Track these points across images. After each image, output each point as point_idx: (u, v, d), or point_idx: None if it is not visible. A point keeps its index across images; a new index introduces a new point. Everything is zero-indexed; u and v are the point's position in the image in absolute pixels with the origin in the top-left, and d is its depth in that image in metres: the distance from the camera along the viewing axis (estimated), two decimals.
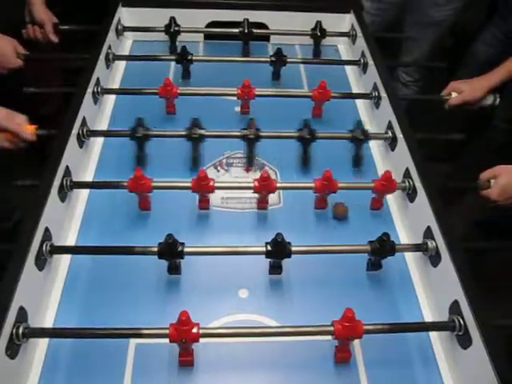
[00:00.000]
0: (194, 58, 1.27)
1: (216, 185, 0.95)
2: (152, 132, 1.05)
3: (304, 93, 1.25)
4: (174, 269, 0.87)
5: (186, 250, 0.83)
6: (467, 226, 1.82)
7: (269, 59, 1.30)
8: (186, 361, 0.76)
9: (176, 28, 1.37)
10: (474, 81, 1.27)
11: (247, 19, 1.37)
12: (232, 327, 0.80)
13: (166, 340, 0.71)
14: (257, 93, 1.16)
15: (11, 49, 1.20)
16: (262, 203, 1.01)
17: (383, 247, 0.85)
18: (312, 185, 0.96)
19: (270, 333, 0.78)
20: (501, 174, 1.00)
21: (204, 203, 1.00)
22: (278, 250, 0.84)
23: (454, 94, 1.26)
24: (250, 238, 0.94)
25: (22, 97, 1.13)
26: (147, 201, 0.98)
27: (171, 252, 0.83)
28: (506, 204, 1.00)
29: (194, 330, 0.71)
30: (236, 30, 1.37)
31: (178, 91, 1.15)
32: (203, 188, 0.94)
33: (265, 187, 0.95)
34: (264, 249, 0.84)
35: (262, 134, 1.06)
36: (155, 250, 0.83)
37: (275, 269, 0.89)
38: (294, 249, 0.84)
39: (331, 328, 0.73)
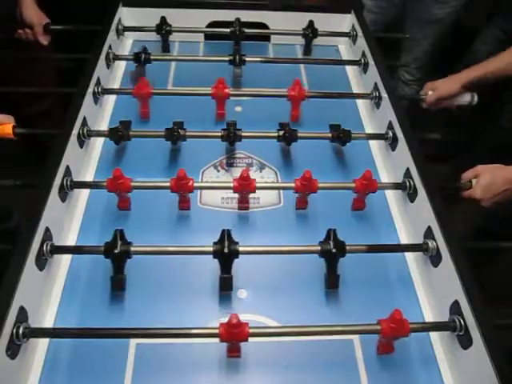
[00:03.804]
0: (151, 57, 1.26)
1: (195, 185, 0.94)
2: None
3: (281, 92, 1.17)
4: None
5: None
6: (467, 225, 1.82)
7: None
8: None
9: (168, 28, 1.35)
10: (448, 77, 1.27)
11: (238, 18, 1.36)
12: None
13: (166, 340, 0.72)
14: (231, 92, 1.14)
15: None
16: (243, 203, 1.00)
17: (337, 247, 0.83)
18: (292, 185, 0.95)
19: (269, 333, 0.78)
20: (482, 172, 1.00)
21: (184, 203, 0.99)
22: None
23: (430, 93, 1.25)
24: (251, 238, 0.94)
25: (16, 95, 1.12)
26: (127, 201, 0.98)
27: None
28: (491, 204, 1.00)
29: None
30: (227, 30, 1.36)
31: (152, 91, 1.15)
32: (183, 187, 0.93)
33: (245, 187, 0.94)
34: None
35: (243, 134, 1.05)
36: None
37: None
38: (241, 249, 0.82)
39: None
